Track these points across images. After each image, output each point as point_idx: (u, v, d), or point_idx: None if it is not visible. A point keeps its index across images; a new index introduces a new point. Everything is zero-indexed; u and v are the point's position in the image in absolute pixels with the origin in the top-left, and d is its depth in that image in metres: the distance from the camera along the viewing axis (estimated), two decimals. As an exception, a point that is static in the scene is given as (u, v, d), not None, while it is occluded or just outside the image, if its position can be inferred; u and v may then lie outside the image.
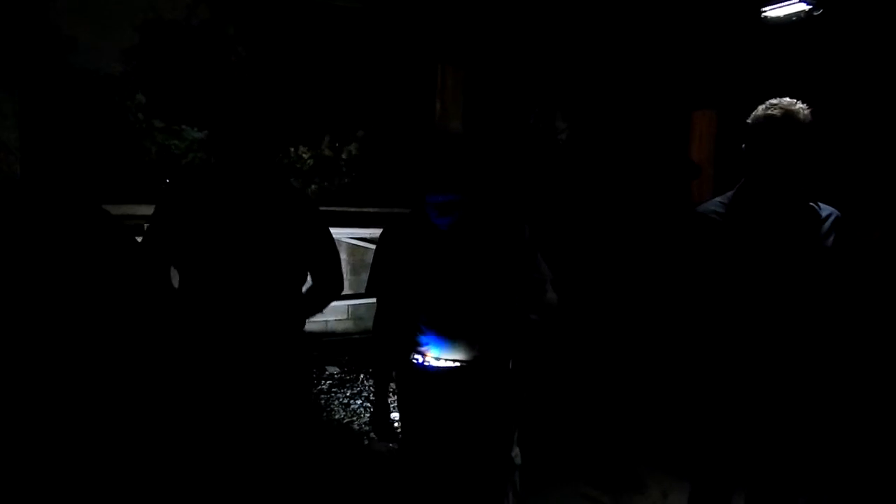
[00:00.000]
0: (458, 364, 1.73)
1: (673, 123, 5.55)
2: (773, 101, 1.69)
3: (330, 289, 1.96)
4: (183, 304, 1.74)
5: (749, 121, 1.72)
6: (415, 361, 1.77)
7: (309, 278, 1.95)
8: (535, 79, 6.09)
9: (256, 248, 1.73)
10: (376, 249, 1.93)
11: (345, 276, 5.79)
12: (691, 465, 1.96)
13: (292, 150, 5.61)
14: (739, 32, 4.52)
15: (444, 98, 6.20)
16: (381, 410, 1.89)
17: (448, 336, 1.73)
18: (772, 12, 3.98)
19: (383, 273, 1.85)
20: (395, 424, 1.95)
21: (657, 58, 5.27)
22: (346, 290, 5.27)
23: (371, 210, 5.60)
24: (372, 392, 4.07)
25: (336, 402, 3.92)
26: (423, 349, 1.76)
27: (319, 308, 1.99)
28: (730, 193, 1.81)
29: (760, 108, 1.70)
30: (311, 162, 5.66)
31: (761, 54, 4.50)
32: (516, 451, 1.86)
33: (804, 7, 3.84)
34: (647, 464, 3.18)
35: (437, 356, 1.74)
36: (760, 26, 4.11)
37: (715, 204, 1.81)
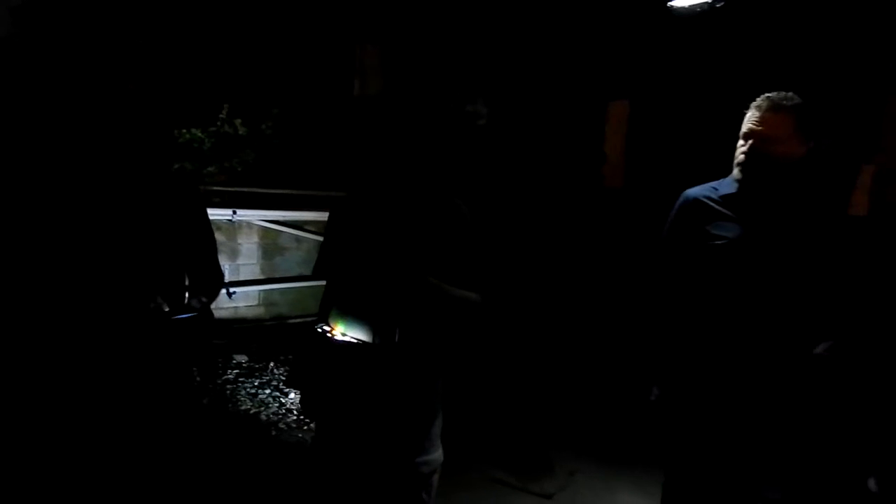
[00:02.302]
0: (364, 342, 1.64)
1: (590, 112, 5.67)
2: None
3: (207, 283, 1.81)
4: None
5: None
6: (318, 330, 1.66)
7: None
8: (455, 62, 6.03)
9: (111, 236, 1.56)
10: (325, 231, 1.85)
11: (256, 260, 5.52)
12: (665, 457, 1.93)
13: (185, 131, 5.25)
14: (648, 24, 4.65)
15: (363, 77, 6.03)
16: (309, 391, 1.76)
17: (353, 313, 1.64)
18: (678, 3, 4.11)
19: (327, 254, 1.77)
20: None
21: (575, 48, 5.35)
22: (258, 275, 5.11)
23: (284, 192, 5.37)
24: (282, 381, 3.93)
25: (243, 393, 3.74)
26: (332, 321, 1.66)
27: (201, 304, 1.83)
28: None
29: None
30: (211, 141, 5.33)
31: (670, 45, 4.66)
32: (438, 453, 1.73)
33: (707, -2, 3.98)
34: (555, 447, 3.26)
35: (343, 331, 1.64)
36: (668, 17, 4.24)
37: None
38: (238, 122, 5.49)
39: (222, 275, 1.94)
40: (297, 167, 5.82)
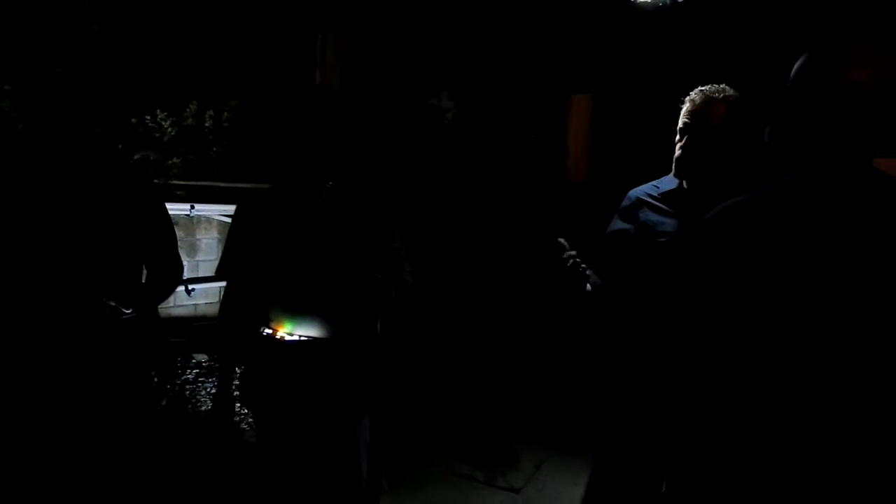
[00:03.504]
0: (312, 338, 1.63)
1: (553, 106, 5.71)
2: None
3: (166, 276, 1.75)
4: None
5: None
6: (265, 334, 1.64)
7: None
8: (421, 55, 5.97)
9: (66, 228, 1.49)
10: (231, 228, 1.76)
11: (217, 256, 5.39)
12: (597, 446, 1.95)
13: (148, 118, 5.07)
14: (611, 18, 4.70)
15: (324, 68, 5.91)
16: (222, 402, 1.73)
17: (302, 311, 1.64)
18: (640, -2, 4.16)
19: (239, 252, 1.69)
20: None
21: (539, 42, 5.37)
22: (218, 272, 4.99)
23: (245, 186, 5.24)
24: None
25: (203, 393, 3.64)
26: (275, 323, 1.65)
27: (158, 299, 1.79)
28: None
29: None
30: (172, 131, 5.16)
31: (632, 40, 4.71)
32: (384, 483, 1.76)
33: (668, -7, 4.05)
34: (520, 439, 3.28)
35: (290, 331, 1.63)
36: (631, 12, 4.28)
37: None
38: (209, 113, 5.32)
39: (182, 267, 1.88)
40: (258, 160, 5.69)
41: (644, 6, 4.13)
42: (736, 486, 1.00)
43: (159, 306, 1.90)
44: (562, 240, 1.72)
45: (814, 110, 1.02)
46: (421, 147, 5.85)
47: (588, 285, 1.79)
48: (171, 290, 1.84)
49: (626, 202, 1.85)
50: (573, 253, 1.75)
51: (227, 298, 1.73)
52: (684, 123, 1.70)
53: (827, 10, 3.72)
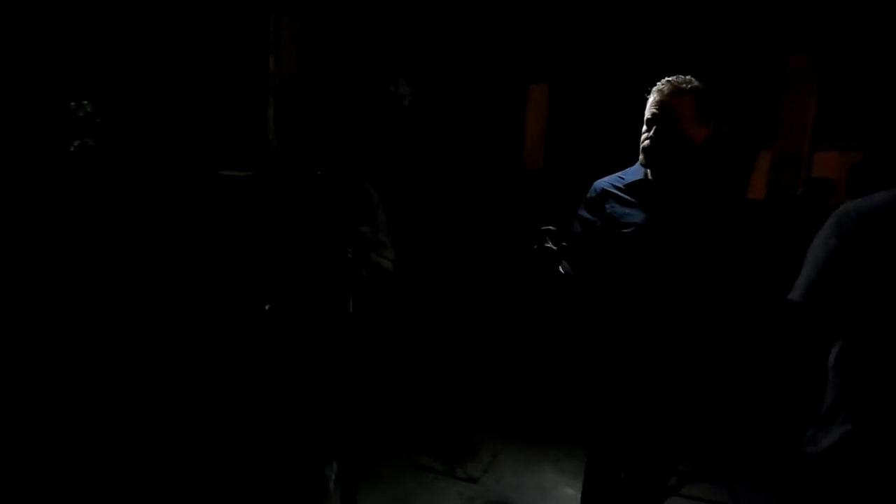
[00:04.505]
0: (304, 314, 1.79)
1: (509, 95, 5.70)
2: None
3: None
4: None
5: None
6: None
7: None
8: (379, 40, 5.86)
9: None
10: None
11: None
12: (584, 439, 1.96)
13: (86, 102, 4.80)
14: (569, 6, 4.71)
15: (279, 52, 5.73)
16: None
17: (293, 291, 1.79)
18: (599, -14, 4.16)
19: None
20: None
21: (495, 30, 5.34)
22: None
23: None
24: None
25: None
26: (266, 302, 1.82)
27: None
28: None
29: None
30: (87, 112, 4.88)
31: (590, 29, 4.74)
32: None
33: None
34: (478, 430, 3.30)
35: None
36: (590, 1, 4.29)
37: None
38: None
39: None
40: (208, 146, 5.48)
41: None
42: None
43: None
44: (548, 227, 1.71)
45: None
46: (381, 134, 5.77)
47: (560, 268, 1.79)
48: None
49: (591, 193, 1.85)
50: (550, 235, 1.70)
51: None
52: (652, 114, 1.71)
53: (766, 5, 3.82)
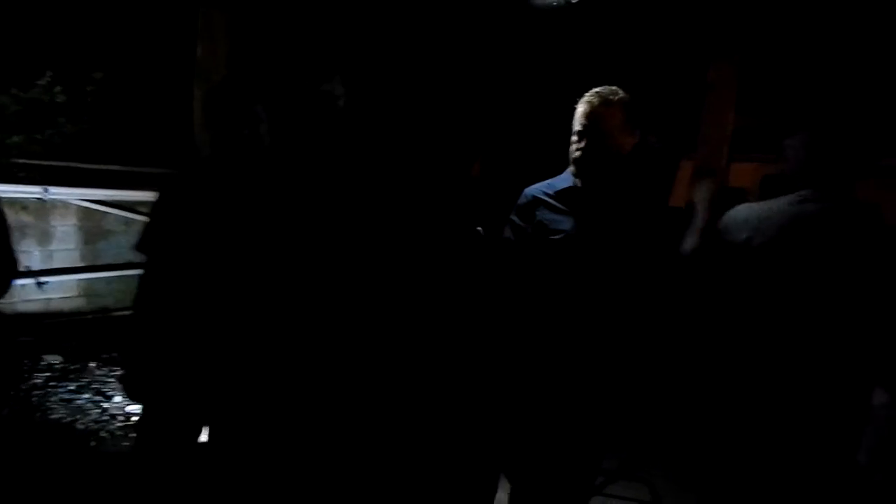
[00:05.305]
0: None
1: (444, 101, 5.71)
2: None
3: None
4: None
5: None
6: None
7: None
8: (310, 36, 5.73)
9: None
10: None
11: (75, 245, 4.85)
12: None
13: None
14: (506, 17, 4.77)
15: (206, 44, 5.49)
16: None
17: None
18: (537, -2, 4.24)
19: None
20: None
21: (434, 37, 5.34)
22: (77, 262, 4.47)
23: (113, 168, 4.75)
24: (104, 384, 3.48)
25: (55, 399, 3.24)
26: None
27: None
28: None
29: None
30: (17, 108, 4.54)
31: (525, 39, 4.82)
32: None
33: (562, -8, 4.15)
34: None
35: None
36: (525, 11, 4.36)
37: None
38: (58, 89, 4.71)
39: (15, 262, 1.67)
40: (129, 141, 5.17)
41: (542, 4, 4.21)
42: None
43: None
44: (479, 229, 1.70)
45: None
46: (318, 135, 5.63)
47: None
48: (5, 288, 1.62)
49: (522, 200, 1.87)
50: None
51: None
52: (582, 125, 1.74)
53: (712, 11, 3.98)
